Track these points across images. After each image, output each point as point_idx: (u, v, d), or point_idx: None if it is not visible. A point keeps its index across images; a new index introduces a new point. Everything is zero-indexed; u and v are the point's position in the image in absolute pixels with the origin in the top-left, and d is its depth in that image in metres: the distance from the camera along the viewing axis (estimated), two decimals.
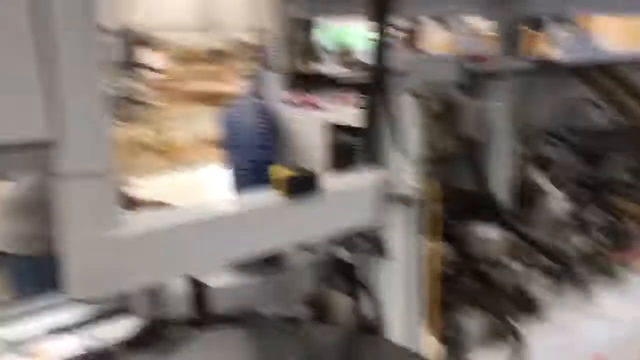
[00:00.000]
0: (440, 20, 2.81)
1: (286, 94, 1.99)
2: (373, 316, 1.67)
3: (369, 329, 1.65)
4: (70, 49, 1.03)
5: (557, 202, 2.54)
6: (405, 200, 1.51)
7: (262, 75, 2.09)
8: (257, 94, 2.08)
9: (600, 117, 3.15)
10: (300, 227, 1.41)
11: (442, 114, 2.23)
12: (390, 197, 1.51)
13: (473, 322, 2.17)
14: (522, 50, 2.82)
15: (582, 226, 2.54)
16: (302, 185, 1.37)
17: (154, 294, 1.69)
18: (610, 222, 2.74)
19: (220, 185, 2.87)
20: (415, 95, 2.06)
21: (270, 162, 1.83)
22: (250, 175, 1.76)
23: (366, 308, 1.71)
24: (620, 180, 2.82)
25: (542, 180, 2.56)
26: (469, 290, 2.19)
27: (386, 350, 1.59)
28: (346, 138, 1.79)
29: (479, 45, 2.73)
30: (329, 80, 1.99)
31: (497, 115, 2.35)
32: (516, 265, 2.32)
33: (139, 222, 1.19)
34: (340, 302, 1.90)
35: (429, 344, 1.80)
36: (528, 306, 2.37)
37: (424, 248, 1.66)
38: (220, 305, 1.76)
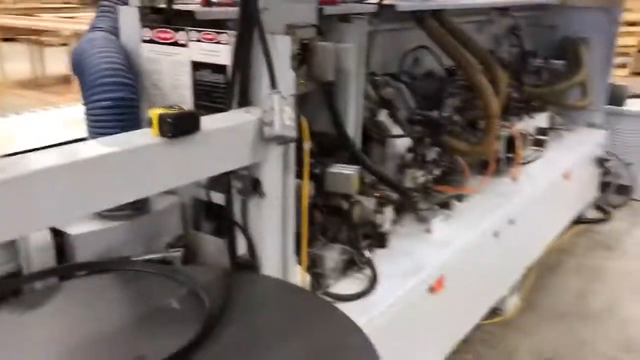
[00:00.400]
0: None
1: (144, 31, 1.89)
2: (247, 254, 1.71)
3: (244, 267, 1.69)
4: None
5: (400, 140, 2.75)
6: (281, 140, 1.55)
7: (115, 9, 1.95)
8: (110, 29, 1.94)
9: (435, 62, 3.42)
10: (181, 170, 1.38)
11: (298, 55, 2.28)
12: (267, 137, 1.53)
13: (331, 253, 2.31)
14: None
15: (421, 161, 2.77)
16: (183, 125, 1.34)
17: (10, 246, 1.57)
18: (443, 158, 3.03)
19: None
20: (288, 32, 2.08)
21: (132, 101, 1.75)
22: (110, 115, 1.66)
23: (239, 247, 1.74)
24: (451, 120, 3.10)
25: (387, 120, 2.74)
26: (327, 224, 2.33)
27: (263, 285, 1.65)
28: (212, 77, 1.75)
29: None
30: (190, 16, 1.92)
31: (348, 57, 2.45)
32: (367, 200, 2.49)
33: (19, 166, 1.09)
34: (209, 243, 1.91)
35: (298, 275, 1.89)
36: (377, 236, 2.57)
37: (294, 185, 1.72)
38: (84, 253, 1.69)
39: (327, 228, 2.35)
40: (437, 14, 3.28)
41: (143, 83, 1.94)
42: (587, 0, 4.76)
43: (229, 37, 1.69)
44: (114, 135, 1.36)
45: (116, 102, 1.67)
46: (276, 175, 1.65)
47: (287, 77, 1.65)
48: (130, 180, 1.29)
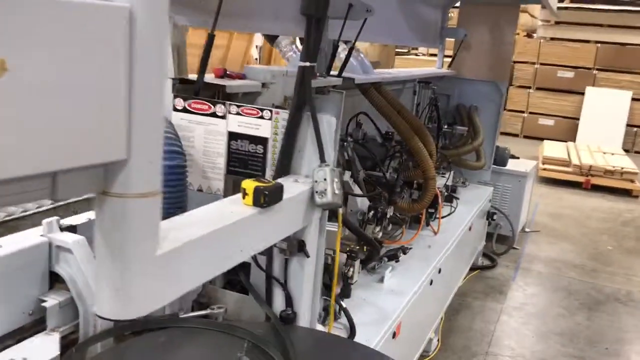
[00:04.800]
0: (269, 37, 3.04)
1: (177, 100, 2.03)
2: (286, 309, 1.88)
3: (285, 320, 1.86)
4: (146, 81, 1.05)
5: (360, 198, 3.05)
6: (331, 207, 1.77)
7: None
8: None
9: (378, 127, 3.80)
10: (266, 235, 1.55)
11: None
12: (319, 204, 1.75)
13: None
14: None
15: (379, 218, 3.09)
16: (275, 196, 1.52)
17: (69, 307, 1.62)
18: (393, 214, 3.37)
19: None
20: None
21: (184, 168, 1.88)
22: (167, 181, 1.77)
23: (276, 302, 1.91)
24: (394, 181, 3.47)
25: (349, 180, 3.03)
26: None
27: (309, 336, 1.83)
28: (250, 147, 1.94)
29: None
30: (218, 88, 2.10)
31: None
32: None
33: (172, 237, 1.22)
34: (229, 299, 2.05)
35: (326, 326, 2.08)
36: (346, 287, 2.82)
37: (323, 244, 1.94)
38: None
39: None
40: (376, 84, 3.68)
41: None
42: (478, 74, 5.48)
43: (271, 112, 1.89)
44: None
45: (171, 169, 1.79)
46: (315, 237, 1.86)
47: (331, 152, 1.88)
48: (232, 250, 1.44)
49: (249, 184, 1.51)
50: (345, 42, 3.65)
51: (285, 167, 1.86)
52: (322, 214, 1.90)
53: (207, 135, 2.02)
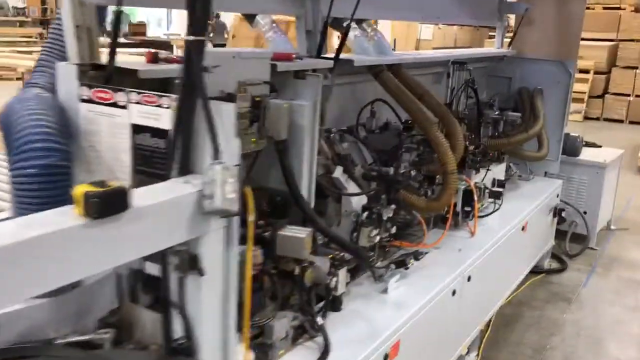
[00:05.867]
0: (248, 16, 2.74)
1: (83, 89, 1.77)
2: (184, 335, 1.57)
3: (180, 350, 1.55)
4: None
5: (355, 198, 2.66)
6: (223, 214, 1.44)
7: (53, 65, 1.82)
8: (48, 85, 1.81)
9: (393, 115, 3.38)
10: (109, 252, 1.25)
11: (250, 113, 2.19)
12: (207, 211, 1.42)
13: (281, 322, 2.18)
14: (327, 50, 2.88)
15: (376, 219, 2.69)
16: (111, 204, 1.22)
17: None
18: (398, 214, 2.95)
19: None
20: (230, 97, 1.99)
21: (62, 169, 1.62)
22: (36, 184, 1.52)
23: (177, 326, 1.60)
24: (408, 175, 3.04)
25: (342, 177, 2.66)
26: (278, 289, 2.20)
27: None
28: (152, 141, 1.64)
29: (287, 43, 2.72)
30: (132, 75, 1.82)
31: (303, 114, 2.37)
32: (321, 260, 2.38)
33: None
34: (146, 318, 1.76)
35: (241, 353, 1.75)
36: (331, 300, 2.45)
37: (238, 258, 1.59)
38: (4, 334, 1.52)
39: (277, 294, 2.23)
40: (393, 67, 3.25)
41: (80, 144, 1.81)
42: (542, 53, 4.84)
43: (170, 100, 1.58)
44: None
45: (43, 169, 1.53)
46: (217, 250, 1.53)
47: (231, 146, 1.54)
48: (52, 268, 1.15)
49: (79, 189, 1.21)
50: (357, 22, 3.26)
51: (184, 164, 1.54)
52: (229, 222, 1.57)
53: (112, 129, 1.74)
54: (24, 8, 19.04)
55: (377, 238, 2.70)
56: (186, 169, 1.53)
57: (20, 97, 1.70)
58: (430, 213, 3.20)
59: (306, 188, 2.45)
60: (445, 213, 3.39)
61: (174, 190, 1.43)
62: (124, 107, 1.70)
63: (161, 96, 1.62)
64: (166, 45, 15.99)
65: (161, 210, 1.35)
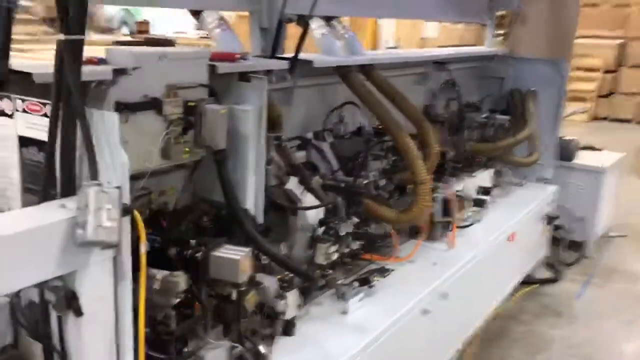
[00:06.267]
0: (194, 13, 2.52)
1: None
2: None
3: None
4: None
5: (312, 211, 2.44)
6: (98, 246, 1.22)
7: None
8: None
9: (361, 119, 3.16)
10: None
11: (181, 120, 1.98)
12: (80, 243, 1.20)
13: (215, 354, 1.96)
14: (284, 49, 2.66)
15: (334, 234, 2.46)
16: None
17: None
18: (364, 227, 2.73)
19: None
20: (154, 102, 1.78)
21: None
22: None
23: None
24: (375, 184, 2.81)
25: (296, 188, 2.43)
26: (210, 318, 1.98)
27: None
28: (39, 156, 1.43)
29: (236, 41, 2.50)
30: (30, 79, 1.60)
31: (247, 119, 2.15)
32: (269, 280, 2.17)
33: None
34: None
35: None
36: (275, 324, 2.23)
37: (128, 295, 1.37)
38: None
39: (208, 322, 2.01)
40: (365, 68, 3.02)
41: None
42: (535, 51, 4.58)
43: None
44: None
45: None
46: (103, 286, 1.32)
47: (116, 163, 1.32)
48: None
49: None
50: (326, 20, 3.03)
51: (64, 184, 1.32)
52: (119, 253, 1.34)
53: (1, 141, 1.53)
54: None
55: (336, 255, 2.47)
56: (67, 190, 1.32)
57: None
58: (403, 225, 2.97)
59: (252, 202, 2.23)
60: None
61: (39, 218, 1.21)
62: (10, 116, 1.49)
63: (45, 104, 1.40)
64: (169, 43, 15.88)
65: (16, 242, 1.13)
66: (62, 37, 1.23)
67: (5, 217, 1.16)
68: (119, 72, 1.78)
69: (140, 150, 1.88)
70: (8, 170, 1.51)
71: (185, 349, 1.92)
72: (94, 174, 1.26)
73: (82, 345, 1.30)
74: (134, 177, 1.89)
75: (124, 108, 1.79)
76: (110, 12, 11.93)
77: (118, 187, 1.25)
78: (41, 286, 1.30)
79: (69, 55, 1.25)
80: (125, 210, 1.28)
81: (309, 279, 2.25)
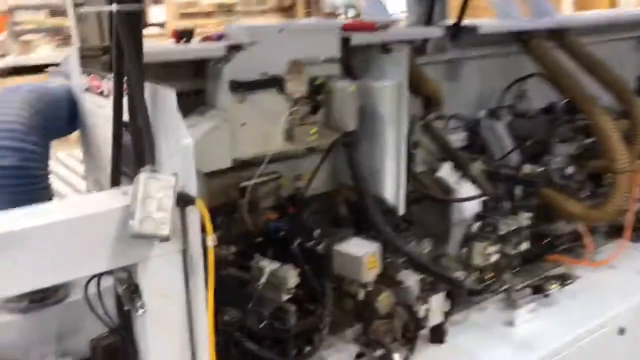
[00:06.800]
0: None
1: (83, 78, 1.56)
2: None
3: None
4: None
5: (467, 203, 2.09)
6: (148, 237, 1.09)
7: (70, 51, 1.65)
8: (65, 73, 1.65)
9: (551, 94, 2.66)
10: None
11: (307, 99, 1.80)
12: (130, 234, 1.09)
13: (339, 357, 1.77)
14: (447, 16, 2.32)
15: (495, 230, 2.08)
16: None
17: None
18: (540, 223, 2.28)
19: None
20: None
21: (22, 170, 1.42)
22: (3, 188, 1.35)
23: None
24: (561, 172, 2.34)
25: (451, 176, 2.10)
26: (334, 319, 1.78)
27: None
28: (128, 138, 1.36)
29: (383, 9, 2.23)
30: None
31: (384, 97, 1.89)
32: (412, 279, 1.90)
33: None
34: None
35: None
36: (415, 330, 1.95)
37: (201, 293, 1.23)
38: None
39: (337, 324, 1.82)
40: (557, 33, 2.53)
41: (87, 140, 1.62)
42: None
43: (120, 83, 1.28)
44: None
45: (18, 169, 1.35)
46: (167, 281, 1.20)
47: (177, 147, 1.18)
48: None
49: None
50: None
51: (134, 169, 1.22)
52: (187, 246, 1.21)
53: (106, 122, 1.50)
54: None
55: (496, 256, 2.08)
56: (134, 175, 1.21)
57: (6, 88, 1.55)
58: (594, 224, 2.43)
59: (392, 191, 1.97)
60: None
61: (96, 204, 1.13)
62: (108, 96, 1.45)
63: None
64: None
65: (52, 233, 1.06)
66: (114, 7, 1.12)
67: (66, 202, 1.10)
68: (234, 49, 1.66)
69: (260, 133, 1.75)
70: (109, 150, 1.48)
71: (307, 349, 1.76)
72: (150, 158, 1.15)
73: (148, 340, 1.20)
74: (254, 162, 1.79)
75: (238, 87, 1.68)
76: None
77: (174, 174, 1.12)
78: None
79: (124, 28, 1.14)
80: (186, 200, 1.14)
81: (452, 284, 1.92)
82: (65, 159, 3.32)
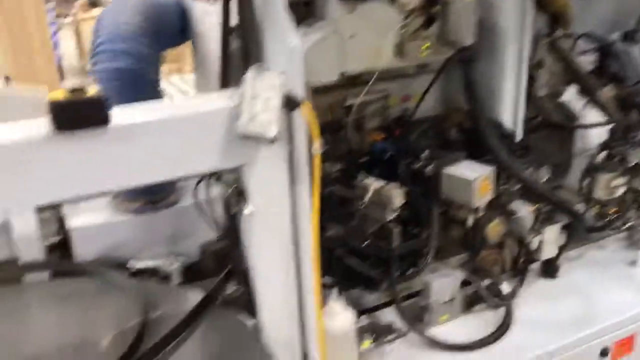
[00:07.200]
0: None
1: None
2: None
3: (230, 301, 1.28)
4: None
5: (592, 131, 1.91)
6: (253, 137, 1.07)
7: None
8: None
9: None
10: (86, 174, 1.03)
11: (420, 11, 1.68)
12: (237, 134, 1.07)
13: (441, 282, 1.71)
14: None
15: (623, 161, 1.90)
16: (81, 116, 0.98)
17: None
18: None
19: None
20: None
21: (135, 73, 1.44)
22: (109, 88, 1.37)
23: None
24: None
25: (576, 101, 1.93)
26: (439, 244, 1.72)
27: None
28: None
29: None
30: None
31: (506, 9, 1.74)
32: (525, 208, 1.79)
33: None
34: None
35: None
36: (527, 262, 1.85)
37: (310, 203, 1.20)
38: (84, 247, 1.48)
39: (443, 248, 1.75)
40: None
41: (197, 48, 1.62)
42: None
43: None
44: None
45: (113, 73, 1.37)
46: (272, 184, 1.17)
47: (281, 47, 1.13)
48: (15, 183, 0.99)
49: (51, 95, 1.00)
50: None
51: (241, 70, 1.19)
52: (293, 150, 1.17)
53: (216, 31, 1.48)
54: None
55: (622, 189, 1.91)
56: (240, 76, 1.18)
57: None
58: None
59: (510, 114, 1.84)
60: None
61: (205, 104, 1.12)
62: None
63: None
64: None
65: (163, 129, 1.06)
66: None
67: (176, 102, 1.09)
68: None
69: (369, 46, 1.67)
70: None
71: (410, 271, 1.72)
72: (257, 57, 1.11)
73: (254, 243, 1.20)
74: (361, 79, 1.71)
75: None
76: None
77: (281, 73, 1.07)
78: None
79: None
80: (293, 103, 1.10)
81: (572, 215, 1.78)
82: (178, 82, 3.41)
